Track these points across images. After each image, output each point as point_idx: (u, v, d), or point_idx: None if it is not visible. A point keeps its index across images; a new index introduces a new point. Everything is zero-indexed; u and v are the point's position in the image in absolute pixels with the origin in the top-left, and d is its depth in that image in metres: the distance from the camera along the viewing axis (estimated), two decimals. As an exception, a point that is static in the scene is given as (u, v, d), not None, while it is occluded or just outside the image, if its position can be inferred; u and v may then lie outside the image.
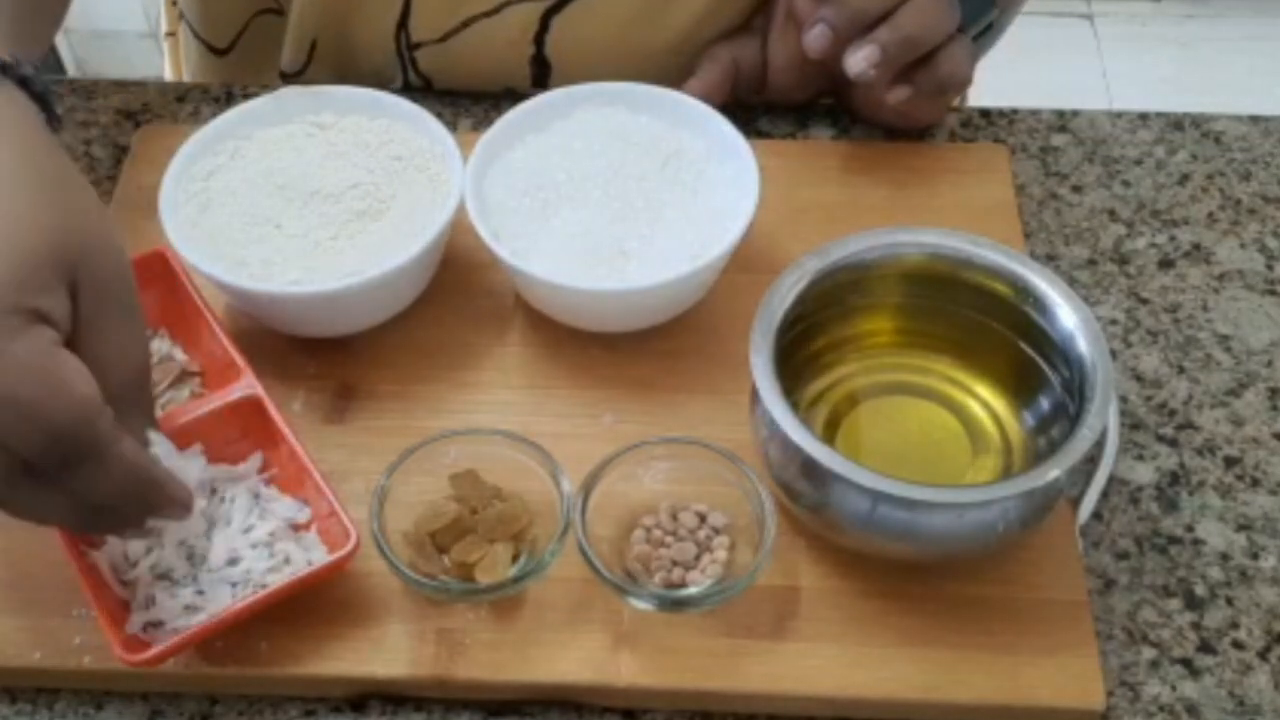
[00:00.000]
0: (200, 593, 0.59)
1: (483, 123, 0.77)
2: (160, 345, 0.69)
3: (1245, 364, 0.71)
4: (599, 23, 0.80)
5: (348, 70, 0.84)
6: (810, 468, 0.58)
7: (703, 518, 0.62)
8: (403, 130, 0.72)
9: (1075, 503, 0.64)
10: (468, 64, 0.82)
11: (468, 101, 0.83)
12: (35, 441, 0.50)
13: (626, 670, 0.59)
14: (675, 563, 0.61)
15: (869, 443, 0.64)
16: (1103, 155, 0.80)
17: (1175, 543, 0.65)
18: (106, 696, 0.60)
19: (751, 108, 0.81)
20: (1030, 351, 0.64)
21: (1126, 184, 0.79)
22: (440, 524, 0.61)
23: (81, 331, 0.54)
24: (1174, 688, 0.60)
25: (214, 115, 0.73)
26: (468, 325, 0.71)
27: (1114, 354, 0.71)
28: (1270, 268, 0.75)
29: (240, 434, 0.64)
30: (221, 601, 0.59)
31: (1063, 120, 0.82)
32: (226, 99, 0.83)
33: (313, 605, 0.60)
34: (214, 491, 0.62)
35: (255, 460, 0.64)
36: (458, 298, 0.72)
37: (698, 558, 0.61)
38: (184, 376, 0.68)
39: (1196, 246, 0.76)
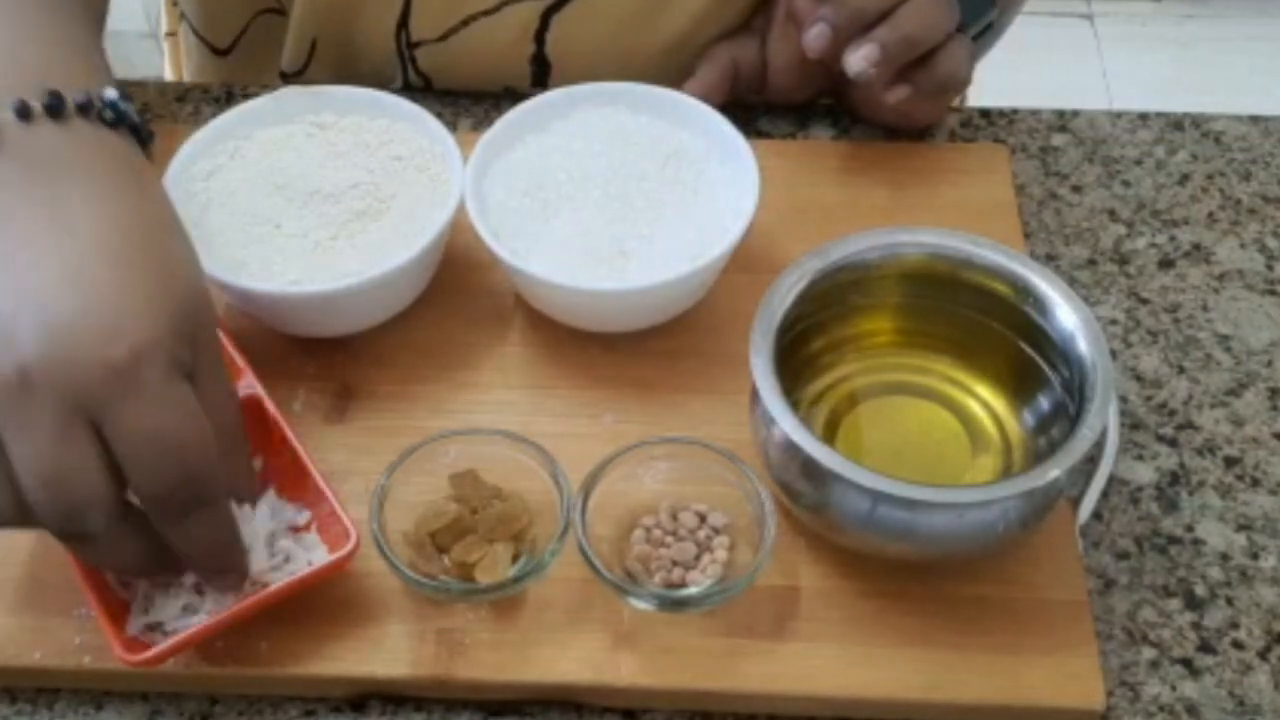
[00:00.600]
0: (200, 593, 0.59)
1: (483, 123, 0.77)
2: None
3: (1245, 364, 0.71)
4: (599, 22, 0.80)
5: (348, 69, 0.84)
6: (810, 468, 0.58)
7: (703, 518, 0.62)
8: (403, 130, 0.72)
9: (1075, 503, 0.64)
10: (468, 63, 0.82)
11: (468, 101, 0.83)
12: (170, 483, 0.52)
13: (626, 670, 0.59)
14: (675, 563, 0.61)
15: (869, 443, 0.64)
16: (1103, 155, 0.80)
17: (1175, 543, 0.65)
18: (106, 696, 0.60)
19: (751, 108, 0.81)
20: (1030, 351, 0.64)
21: (1126, 184, 0.79)
22: (440, 524, 0.61)
23: (196, 381, 0.54)
24: (1174, 688, 0.60)
25: (214, 115, 0.73)
26: (468, 325, 0.71)
27: (1114, 354, 0.71)
28: (1270, 268, 0.75)
29: (240, 434, 0.64)
30: (221, 601, 0.59)
31: (1063, 120, 0.82)
32: (226, 99, 0.83)
33: (313, 605, 0.60)
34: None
35: (256, 464, 0.63)
36: (458, 298, 0.72)
37: (698, 558, 0.61)
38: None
39: (1196, 246, 0.76)
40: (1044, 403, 0.64)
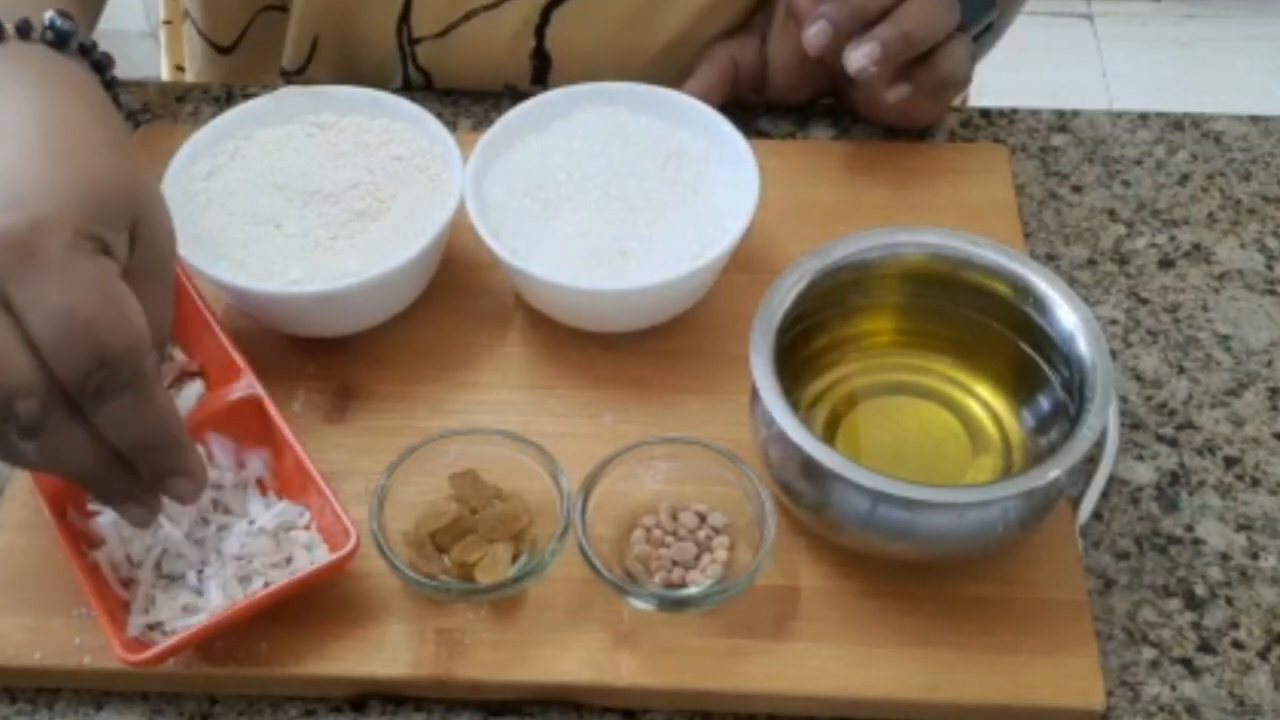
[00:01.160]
0: (200, 593, 0.59)
1: (483, 123, 0.77)
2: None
3: (1245, 364, 0.71)
4: (599, 18, 0.80)
5: (349, 66, 0.84)
6: (810, 468, 0.58)
7: (703, 518, 0.62)
8: (403, 130, 0.72)
9: (1075, 503, 0.64)
10: (468, 58, 0.82)
11: (468, 101, 0.83)
12: (83, 360, 0.51)
13: (626, 670, 0.59)
14: (675, 563, 0.61)
15: (869, 443, 0.64)
16: (1103, 155, 0.80)
17: (1175, 543, 0.65)
18: (106, 696, 0.60)
19: (751, 108, 0.81)
20: (1030, 351, 0.64)
21: (1126, 184, 0.79)
22: (440, 524, 0.61)
23: (127, 282, 0.54)
24: (1174, 688, 0.60)
25: (214, 115, 0.73)
26: (468, 325, 0.71)
27: (1114, 354, 0.71)
28: (1270, 268, 0.75)
29: (240, 434, 0.64)
30: (221, 601, 0.59)
31: (1063, 120, 0.82)
32: (226, 99, 0.83)
33: (313, 605, 0.60)
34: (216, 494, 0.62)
35: (256, 464, 0.64)
36: (458, 298, 0.72)
37: (698, 558, 0.61)
38: (184, 376, 0.68)
39: (1196, 246, 0.76)
40: (1044, 403, 0.64)
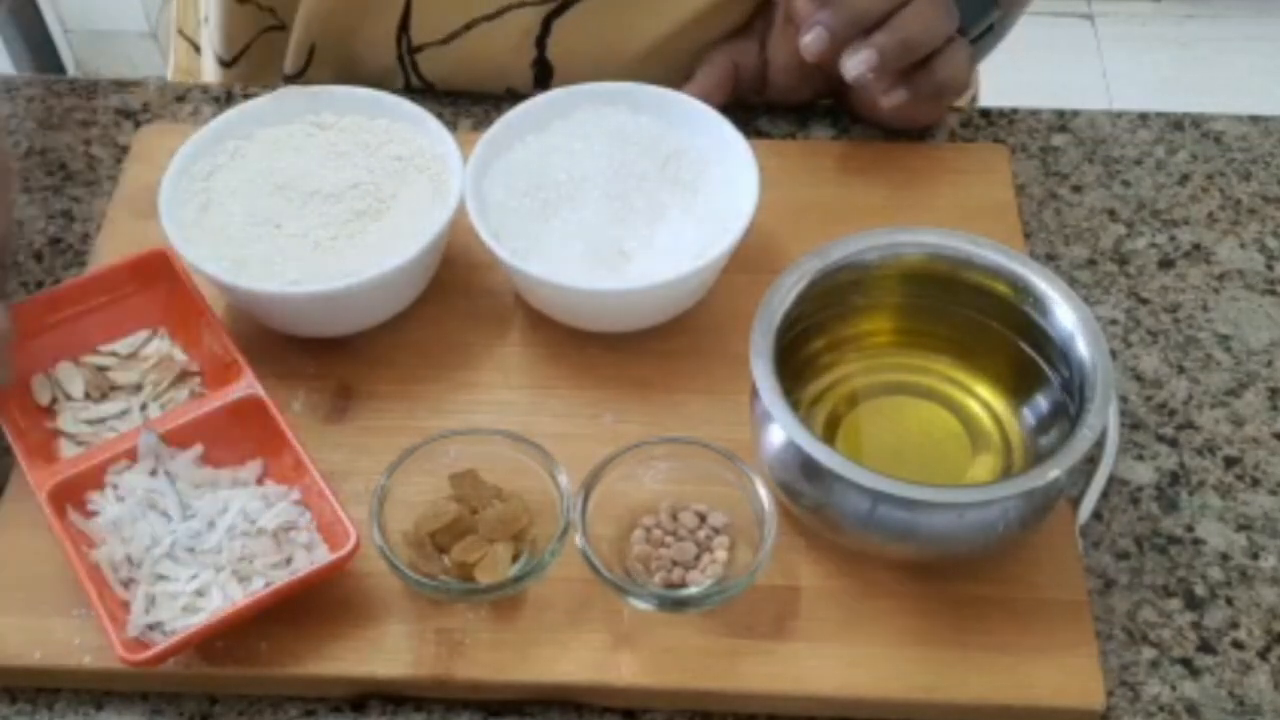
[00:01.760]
0: (200, 593, 0.59)
1: (483, 123, 0.77)
2: (160, 345, 0.69)
3: (1245, 364, 0.71)
4: (600, 26, 0.80)
5: (348, 75, 0.84)
6: (810, 468, 0.58)
7: (703, 518, 0.62)
8: (403, 130, 0.72)
9: (1075, 503, 0.64)
10: (469, 68, 0.82)
11: (468, 101, 0.83)
12: None
13: (626, 670, 0.59)
14: (675, 563, 0.61)
15: (869, 443, 0.64)
16: (1103, 155, 0.80)
17: (1175, 543, 0.65)
18: (106, 696, 0.60)
19: (751, 108, 0.81)
20: (1030, 351, 0.64)
21: (1126, 184, 0.79)
22: (440, 524, 0.61)
23: None
24: (1174, 688, 0.60)
25: (214, 115, 0.73)
26: (468, 325, 0.71)
27: (1114, 354, 0.71)
28: (1270, 268, 0.75)
29: (240, 434, 0.64)
30: (221, 601, 0.59)
31: (1063, 120, 0.82)
32: (226, 99, 0.83)
33: (313, 605, 0.60)
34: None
35: (256, 464, 0.64)
36: (458, 298, 0.72)
37: (698, 558, 0.61)
38: (184, 376, 0.68)
39: (1196, 246, 0.76)
40: (1044, 403, 0.64)
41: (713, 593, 0.59)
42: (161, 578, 0.60)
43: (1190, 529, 0.65)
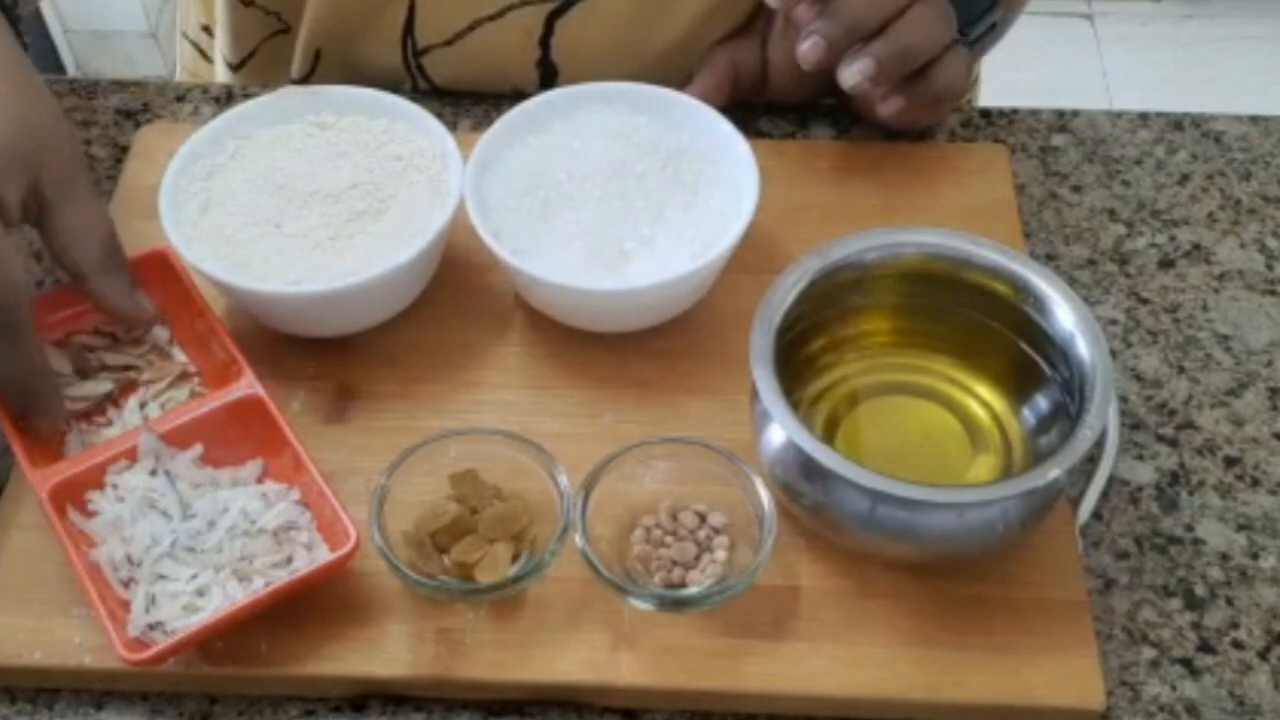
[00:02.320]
0: (200, 593, 0.59)
1: (483, 123, 0.77)
2: (159, 333, 0.69)
3: (1245, 364, 0.71)
4: (603, 25, 0.80)
5: (353, 78, 0.84)
6: (810, 468, 0.58)
7: (703, 518, 0.62)
8: (403, 130, 0.72)
9: (1075, 503, 0.64)
10: (474, 69, 0.82)
11: (468, 101, 0.83)
12: None
13: (626, 670, 0.59)
14: (675, 563, 0.61)
15: (869, 443, 0.64)
16: (1103, 155, 0.80)
17: (1175, 543, 0.65)
18: (106, 696, 0.60)
19: (751, 108, 0.81)
20: (1030, 351, 0.64)
21: (1126, 184, 0.79)
22: (440, 524, 0.61)
23: (50, 216, 0.63)
24: (1174, 688, 0.60)
25: (214, 115, 0.73)
26: (468, 325, 0.71)
27: (1114, 354, 0.71)
28: (1270, 268, 0.75)
29: (240, 434, 0.64)
30: (221, 601, 0.59)
31: (1063, 120, 0.82)
32: (226, 99, 0.83)
33: (313, 605, 0.60)
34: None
35: (256, 464, 0.64)
36: (458, 298, 0.72)
37: (698, 558, 0.61)
38: (184, 376, 0.68)
39: (1196, 246, 0.76)
40: (1044, 403, 0.64)
41: (713, 593, 0.59)
42: (162, 577, 0.60)
43: (1190, 529, 0.65)
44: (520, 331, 0.71)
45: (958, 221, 0.69)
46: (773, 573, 0.61)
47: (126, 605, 0.59)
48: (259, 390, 0.64)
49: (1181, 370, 0.71)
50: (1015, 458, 0.63)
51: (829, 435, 0.64)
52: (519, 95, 0.74)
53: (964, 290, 0.65)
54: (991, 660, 0.59)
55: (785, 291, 0.62)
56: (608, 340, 0.70)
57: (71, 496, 0.62)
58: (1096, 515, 0.65)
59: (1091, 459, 0.65)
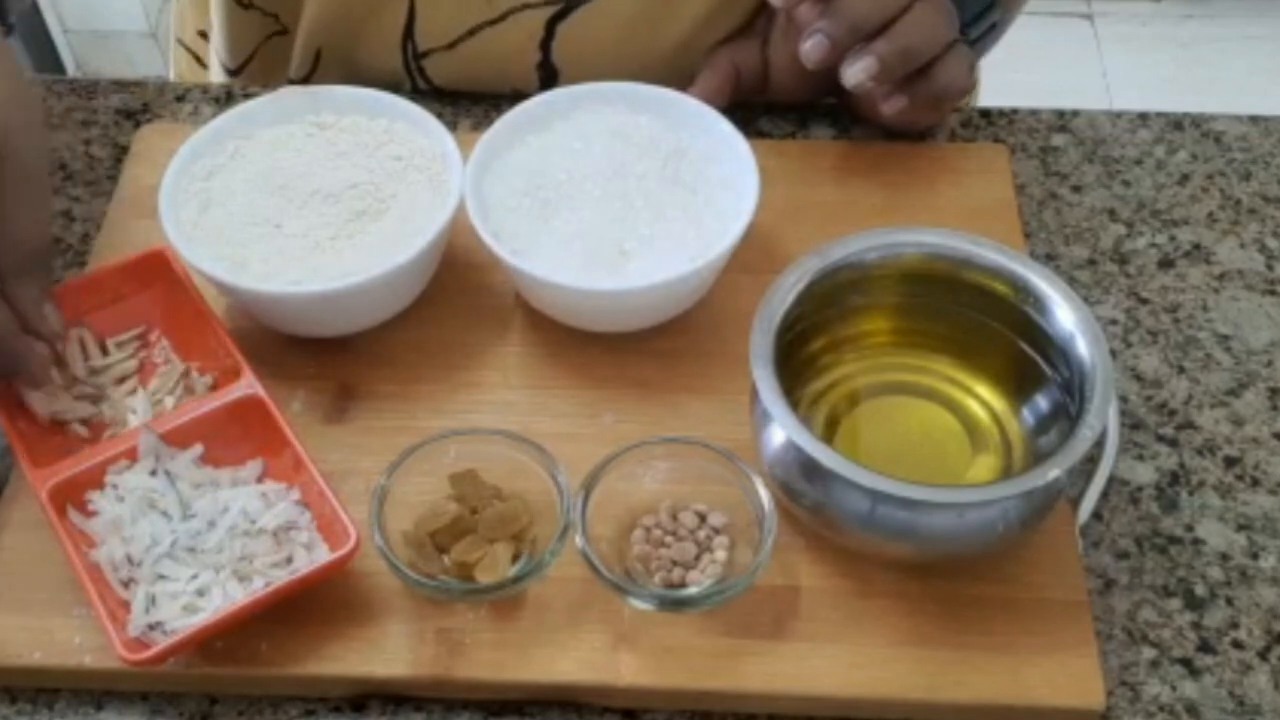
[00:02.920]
0: (200, 593, 0.59)
1: (483, 123, 0.77)
2: (159, 342, 0.69)
3: (1245, 364, 0.71)
4: (604, 29, 0.80)
5: (354, 81, 0.84)
6: (810, 468, 0.58)
7: (703, 518, 0.62)
8: (403, 130, 0.72)
9: (1075, 503, 0.64)
10: (475, 72, 0.82)
11: (468, 102, 0.83)
12: None
13: (626, 670, 0.59)
14: (675, 563, 0.61)
15: (869, 443, 0.64)
16: (1103, 155, 0.80)
17: (1175, 543, 0.65)
18: (106, 696, 0.60)
19: (751, 108, 0.81)
20: (1030, 351, 0.64)
21: (1126, 184, 0.79)
22: (440, 524, 0.61)
23: None
24: (1174, 688, 0.60)
25: (214, 115, 0.73)
26: (468, 325, 0.71)
27: (1114, 354, 0.71)
28: (1270, 268, 0.75)
29: (240, 434, 0.64)
30: (221, 601, 0.59)
31: (1063, 120, 0.82)
32: (226, 99, 0.83)
33: (313, 605, 0.60)
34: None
35: (256, 464, 0.64)
36: (458, 298, 0.72)
37: (698, 558, 0.61)
38: (184, 377, 0.68)
39: (1196, 246, 0.76)
40: (1044, 403, 0.64)
41: (713, 593, 0.59)
42: (162, 577, 0.60)
43: (1190, 529, 0.65)
44: (520, 331, 0.71)
45: (958, 221, 0.69)
46: (773, 573, 0.61)
47: (126, 605, 0.59)
48: (259, 390, 0.64)
49: (1181, 370, 0.71)
50: (1015, 458, 0.63)
51: (829, 435, 0.64)
52: (519, 96, 0.74)
53: (964, 290, 0.65)
54: (991, 660, 0.59)
55: (785, 291, 0.62)
56: (608, 340, 0.70)
57: (71, 496, 0.62)
58: (1096, 515, 0.65)
59: (1091, 459, 0.65)
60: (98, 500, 0.62)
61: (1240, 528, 0.65)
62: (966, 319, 0.65)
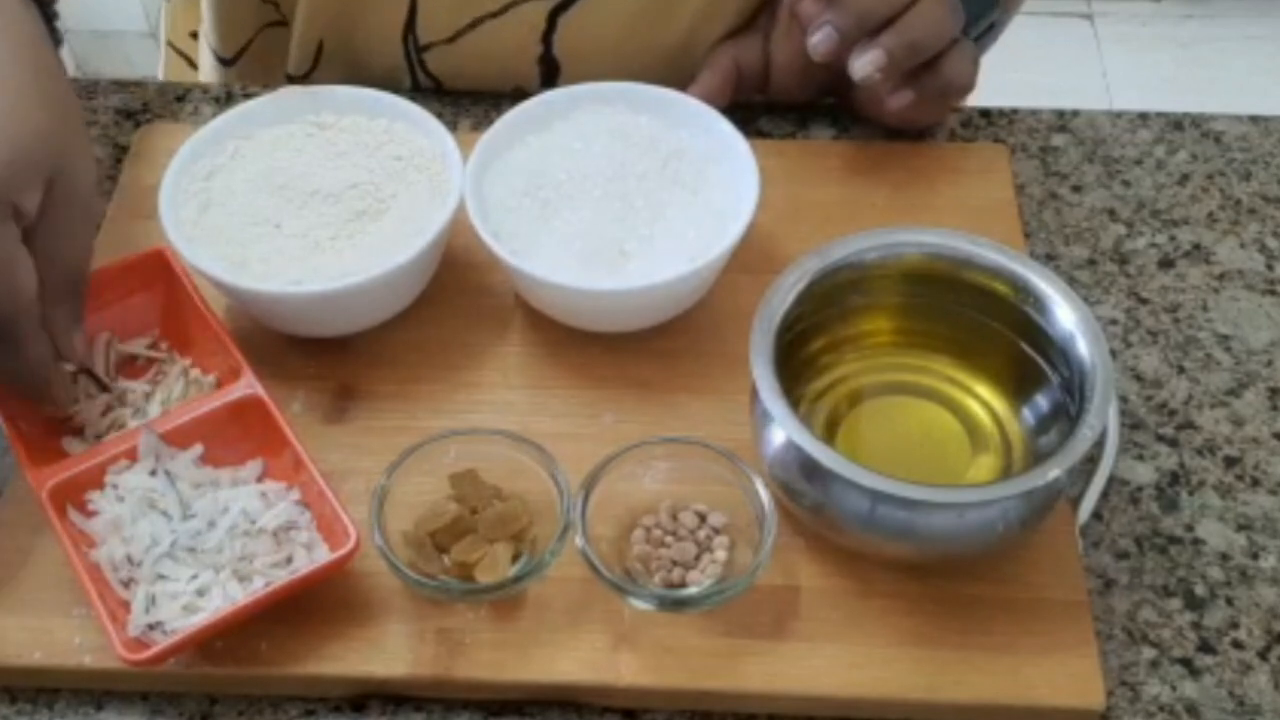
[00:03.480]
0: (200, 593, 0.59)
1: (483, 123, 0.77)
2: (159, 345, 0.69)
3: (1245, 364, 0.71)
4: (605, 22, 0.80)
5: (355, 74, 0.84)
6: (810, 468, 0.58)
7: (703, 518, 0.62)
8: (403, 130, 0.72)
9: (1075, 503, 0.64)
10: (476, 65, 0.82)
11: (468, 101, 0.83)
12: None
13: (626, 670, 0.59)
14: (675, 563, 0.61)
15: (869, 443, 0.64)
16: (1103, 155, 0.80)
17: (1175, 543, 0.65)
18: (106, 696, 0.60)
19: (751, 108, 0.81)
20: (1030, 351, 0.64)
21: (1126, 184, 0.79)
22: (440, 524, 0.61)
23: (40, 225, 0.60)
24: (1174, 688, 0.60)
25: (214, 115, 0.73)
26: (468, 325, 0.71)
27: (1114, 354, 0.71)
28: (1270, 268, 0.75)
29: (240, 434, 0.64)
30: (221, 601, 0.59)
31: (1063, 120, 0.82)
32: (226, 99, 0.83)
33: (313, 605, 0.60)
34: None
35: (256, 464, 0.64)
36: (458, 298, 0.72)
37: (698, 558, 0.61)
38: (184, 377, 0.68)
39: (1196, 246, 0.76)
40: (1044, 403, 0.64)
41: (713, 593, 0.59)
42: (162, 577, 0.60)
43: (1190, 529, 0.65)
44: (520, 331, 0.71)
45: (958, 221, 0.69)
46: (773, 573, 0.61)
47: (126, 605, 0.59)
48: (259, 390, 0.64)
49: (1181, 370, 0.71)
50: (1015, 458, 0.63)
51: (829, 435, 0.64)
52: (520, 94, 0.74)
53: (964, 290, 0.65)
54: (991, 660, 0.59)
55: (785, 291, 0.62)
56: (608, 340, 0.70)
57: (71, 496, 0.62)
58: (1096, 515, 0.65)
59: (1091, 459, 0.65)
60: (98, 500, 0.62)
61: (1240, 528, 0.65)
62: (966, 319, 0.65)
